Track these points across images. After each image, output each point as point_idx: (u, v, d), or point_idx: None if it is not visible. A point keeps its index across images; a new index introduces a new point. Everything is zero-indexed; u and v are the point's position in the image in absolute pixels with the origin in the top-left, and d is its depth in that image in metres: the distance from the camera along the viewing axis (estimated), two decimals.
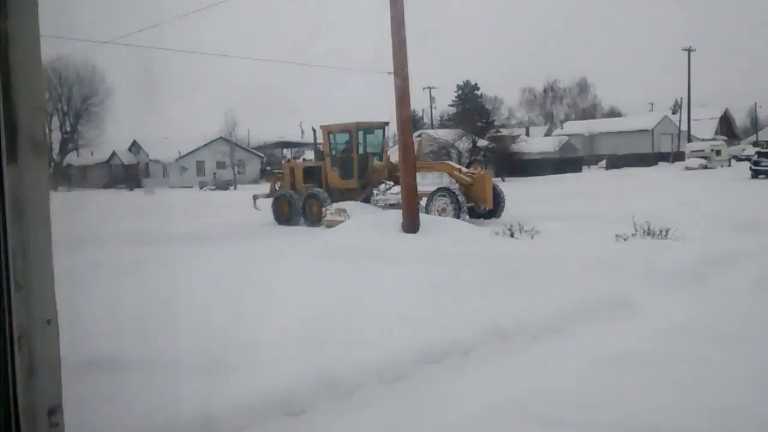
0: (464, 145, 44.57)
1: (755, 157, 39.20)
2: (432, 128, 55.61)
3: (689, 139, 63.43)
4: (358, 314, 6.49)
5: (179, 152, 63.73)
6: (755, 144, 74.44)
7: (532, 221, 12.94)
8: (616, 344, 5.65)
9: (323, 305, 6.91)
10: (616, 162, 58.44)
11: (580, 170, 55.33)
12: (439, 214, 17.13)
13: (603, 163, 59.91)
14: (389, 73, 14.20)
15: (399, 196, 18.44)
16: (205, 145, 63.37)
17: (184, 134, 59.42)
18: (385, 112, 21.68)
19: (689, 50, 61.37)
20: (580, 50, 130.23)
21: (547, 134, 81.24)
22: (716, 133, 78.78)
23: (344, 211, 17.88)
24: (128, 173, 64.28)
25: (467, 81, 69.70)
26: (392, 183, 20.36)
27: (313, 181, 20.99)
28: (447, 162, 23.12)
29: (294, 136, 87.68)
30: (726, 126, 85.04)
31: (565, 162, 55.90)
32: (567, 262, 9.14)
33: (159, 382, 4.55)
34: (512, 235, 12.14)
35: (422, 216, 13.95)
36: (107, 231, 16.44)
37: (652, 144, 70.98)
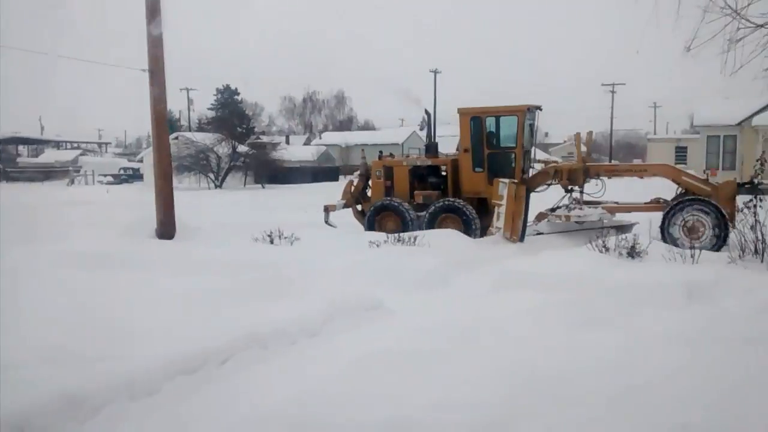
0: (223, 150, 43.82)
1: None
2: (190, 131, 53.84)
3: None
4: (107, 326, 6.00)
5: None
6: None
7: (293, 227, 13.04)
8: (370, 345, 5.84)
9: (66, 317, 6.28)
10: None
11: (337, 179, 57.10)
12: (689, 239, 11.84)
13: (358, 173, 62.42)
14: (144, 70, 13.47)
15: (600, 211, 13.53)
16: None
17: None
18: (139, 111, 18.86)
19: (435, 72, 66.51)
20: (337, 64, 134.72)
21: (307, 143, 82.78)
22: (457, 149, 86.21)
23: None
24: None
25: (227, 85, 68.65)
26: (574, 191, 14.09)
27: (426, 187, 15.33)
28: (668, 164, 16.10)
29: (32, 132, 79.43)
30: None
31: (324, 171, 57.42)
32: (325, 267, 9.33)
33: None
34: (272, 242, 12.12)
35: (179, 221, 13.35)
36: None
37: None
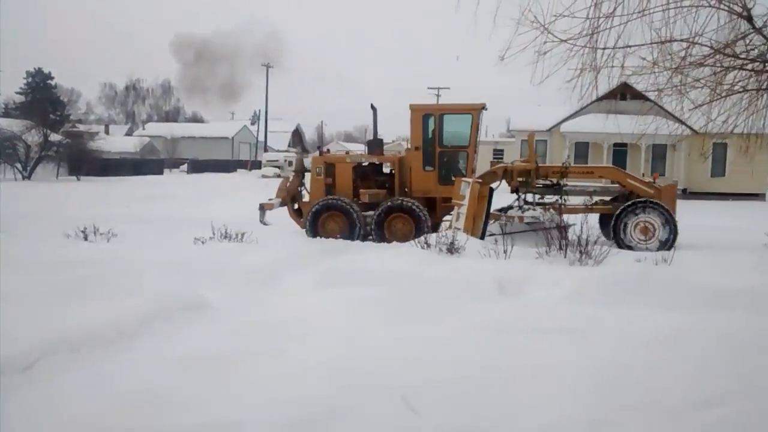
0: (33, 138, 40.45)
1: None
2: None
3: (266, 149, 67.97)
4: None
5: None
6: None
7: (111, 223, 12.32)
8: (193, 345, 5.66)
9: None
10: (197, 167, 59.46)
11: (161, 173, 54.90)
12: (636, 242, 12.81)
13: (185, 167, 60.42)
14: None
15: (551, 212, 13.28)
16: None
17: None
18: None
19: (267, 66, 65.80)
20: (162, 51, 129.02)
21: (128, 134, 78.71)
22: (289, 145, 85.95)
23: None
24: None
25: (39, 68, 63.32)
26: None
27: (371, 185, 14.66)
28: (615, 167, 15.41)
29: None
30: (297, 139, 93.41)
31: (147, 163, 54.89)
32: (145, 265, 8.90)
33: None
34: (86, 238, 11.36)
35: None
36: None
37: (232, 151, 74.02)
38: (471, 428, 4.21)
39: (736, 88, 5.37)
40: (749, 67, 5.04)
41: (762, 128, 6.05)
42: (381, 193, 14.29)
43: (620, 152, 34.64)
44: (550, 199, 14.07)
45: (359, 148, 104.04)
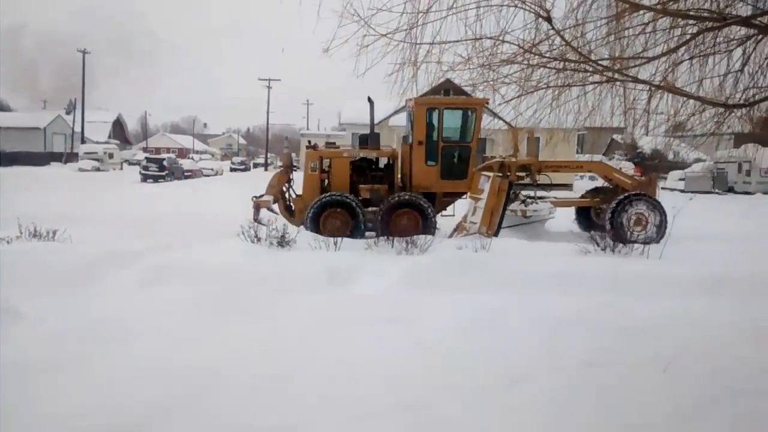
0: None
1: (144, 162, 42.13)
2: None
3: (83, 140, 63.65)
4: None
5: None
6: (145, 150, 79.64)
7: None
8: None
9: None
10: (4, 159, 54.47)
11: None
12: (633, 234, 12.87)
13: None
14: None
15: (549, 206, 13.51)
16: None
17: None
18: None
19: (84, 52, 61.57)
20: None
21: None
22: (110, 137, 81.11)
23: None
24: None
25: None
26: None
27: (368, 181, 14.01)
28: (602, 162, 15.54)
29: None
30: (119, 130, 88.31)
31: None
32: None
33: None
34: None
35: None
36: None
37: (44, 143, 68.57)
38: (293, 426, 4.18)
39: (541, 84, 5.77)
40: (552, 65, 5.44)
41: (564, 122, 6.57)
42: (382, 188, 13.99)
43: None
44: (544, 191, 14.50)
45: (188, 140, 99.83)
